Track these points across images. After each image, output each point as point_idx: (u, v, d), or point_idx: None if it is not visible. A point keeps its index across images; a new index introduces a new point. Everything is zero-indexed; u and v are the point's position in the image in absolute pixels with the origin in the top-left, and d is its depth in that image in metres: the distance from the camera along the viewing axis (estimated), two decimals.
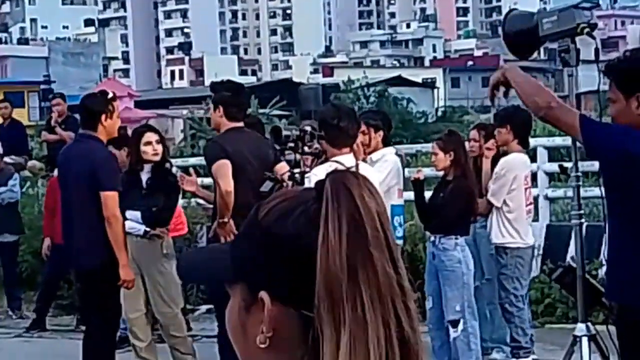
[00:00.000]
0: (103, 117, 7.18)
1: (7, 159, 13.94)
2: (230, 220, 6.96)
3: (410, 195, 8.30)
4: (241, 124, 7.25)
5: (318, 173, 5.81)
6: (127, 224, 7.48)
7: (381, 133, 7.94)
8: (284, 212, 1.48)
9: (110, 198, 7.05)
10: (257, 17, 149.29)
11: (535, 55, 6.44)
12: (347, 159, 6.40)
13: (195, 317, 10.66)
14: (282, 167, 7.01)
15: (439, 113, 53.25)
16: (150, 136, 7.83)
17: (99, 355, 7.25)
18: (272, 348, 1.48)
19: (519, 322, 7.94)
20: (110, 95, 7.43)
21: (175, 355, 7.87)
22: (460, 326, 7.54)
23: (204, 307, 10.91)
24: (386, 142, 8.07)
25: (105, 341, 7.27)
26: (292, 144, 7.19)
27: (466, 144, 8.22)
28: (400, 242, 8.13)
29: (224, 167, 6.98)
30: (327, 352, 1.40)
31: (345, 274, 1.40)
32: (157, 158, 7.77)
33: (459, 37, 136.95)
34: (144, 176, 7.78)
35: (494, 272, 8.15)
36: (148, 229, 7.71)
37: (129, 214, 7.54)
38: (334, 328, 1.40)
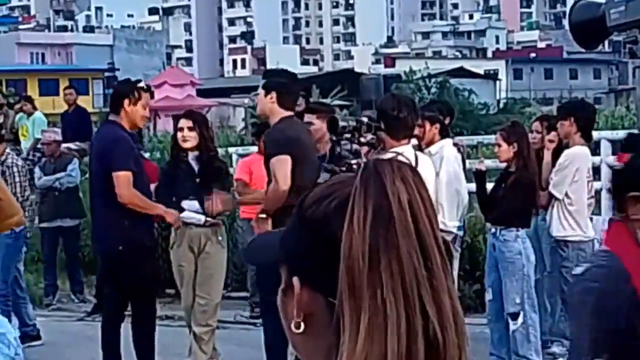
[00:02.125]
0: (126, 101, 7.18)
1: (71, 145, 14.16)
2: (269, 220, 6.85)
3: (471, 186, 8.26)
4: (292, 113, 7.07)
5: None
6: (185, 214, 7.51)
7: (438, 125, 7.88)
8: (320, 197, 1.48)
9: (120, 178, 7.01)
10: (320, 6, 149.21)
11: (599, 47, 6.39)
12: (406, 150, 6.38)
13: (231, 304, 10.69)
14: None
15: (501, 105, 52.85)
16: (182, 122, 7.74)
17: (110, 341, 7.35)
18: (306, 334, 1.48)
19: None
20: (141, 84, 7.45)
21: (196, 346, 7.80)
22: (520, 319, 7.49)
23: (241, 294, 11.00)
24: (446, 133, 8.01)
25: (112, 325, 7.33)
26: (348, 135, 7.19)
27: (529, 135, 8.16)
28: (460, 232, 8.10)
29: (285, 164, 6.78)
30: (344, 342, 1.38)
31: (366, 263, 1.37)
32: (187, 145, 7.66)
33: (522, 28, 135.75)
34: (195, 165, 7.72)
35: (555, 265, 8.09)
36: (208, 219, 7.68)
37: (185, 204, 7.55)
38: (353, 318, 1.37)
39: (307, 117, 7.95)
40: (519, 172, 7.55)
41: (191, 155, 7.68)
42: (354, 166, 6.76)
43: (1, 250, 8.61)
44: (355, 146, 7.53)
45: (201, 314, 7.72)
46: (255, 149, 10.59)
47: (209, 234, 7.69)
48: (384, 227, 1.37)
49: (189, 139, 7.64)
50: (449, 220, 7.45)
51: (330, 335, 1.41)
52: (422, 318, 1.37)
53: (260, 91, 7.05)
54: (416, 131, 7.65)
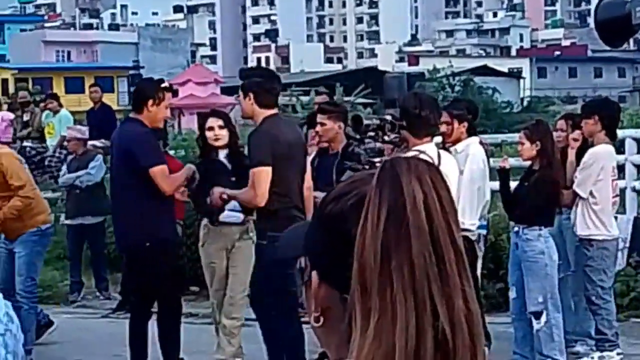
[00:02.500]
0: (150, 102, 7.24)
1: (96, 143, 14.22)
2: None
3: (494, 185, 8.25)
4: (275, 111, 6.96)
5: None
6: (225, 213, 7.55)
7: (465, 124, 7.87)
8: (339, 194, 1.49)
9: (157, 173, 7.06)
10: (344, 4, 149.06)
11: (624, 45, 6.37)
12: (428, 148, 6.39)
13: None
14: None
15: (524, 103, 52.70)
16: (212, 121, 7.78)
17: (136, 338, 7.38)
18: (325, 328, 1.50)
19: (606, 315, 7.85)
20: (165, 84, 7.49)
21: (224, 341, 7.84)
22: (544, 318, 7.47)
23: None
24: (472, 132, 8.01)
25: (140, 322, 7.36)
26: (372, 133, 7.20)
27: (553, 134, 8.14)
28: (483, 231, 8.09)
29: (266, 178, 6.72)
30: (354, 339, 1.38)
31: (377, 261, 1.36)
32: (219, 143, 7.70)
33: (546, 26, 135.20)
34: (228, 162, 7.75)
35: (580, 264, 8.07)
36: (246, 217, 7.71)
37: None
38: (364, 315, 1.37)
39: (319, 118, 7.96)
40: (541, 170, 7.53)
41: (222, 154, 7.73)
42: (377, 164, 6.77)
43: (27, 247, 8.67)
44: (378, 145, 7.53)
45: (230, 307, 7.78)
46: None
47: (242, 231, 7.74)
48: (396, 226, 1.37)
49: (221, 137, 7.71)
50: (469, 219, 7.44)
51: (345, 330, 1.42)
52: (432, 318, 1.36)
53: (240, 93, 6.99)
54: (444, 128, 7.66)
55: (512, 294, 7.79)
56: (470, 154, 7.74)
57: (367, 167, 6.95)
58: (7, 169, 8.50)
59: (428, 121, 6.56)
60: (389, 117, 7.21)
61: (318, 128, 7.88)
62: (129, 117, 7.58)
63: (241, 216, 7.69)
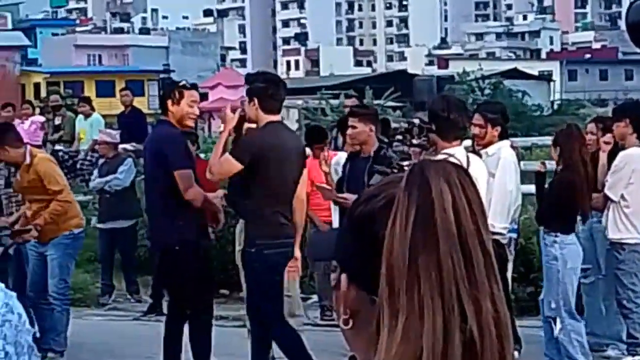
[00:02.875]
0: (169, 102, 7.31)
1: (127, 146, 14.29)
2: None
3: (525, 188, 8.23)
4: (278, 117, 7.04)
5: None
6: None
7: (499, 128, 7.79)
8: (369, 196, 1.50)
9: (181, 177, 7.10)
10: (373, 8, 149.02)
11: None
12: (457, 151, 6.39)
13: (308, 306, 10.76)
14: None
15: (555, 106, 52.48)
16: (248, 123, 7.86)
17: (171, 340, 7.40)
18: (354, 330, 1.50)
19: (637, 318, 7.81)
20: (182, 83, 7.56)
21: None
22: (558, 324, 7.43)
23: (315, 297, 10.99)
24: (503, 135, 7.98)
25: (175, 324, 7.38)
26: (400, 137, 7.21)
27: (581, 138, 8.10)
28: (514, 235, 8.06)
29: (230, 166, 6.85)
30: (382, 340, 1.38)
31: (405, 263, 1.37)
32: None
33: (576, 29, 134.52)
34: None
35: (611, 268, 8.03)
36: None
37: None
38: (391, 316, 1.38)
39: (350, 121, 7.96)
40: (558, 174, 7.52)
41: None
42: (405, 168, 6.77)
43: (60, 250, 8.74)
44: (406, 148, 7.54)
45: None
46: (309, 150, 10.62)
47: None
48: (425, 229, 1.37)
49: None
50: (499, 222, 7.42)
51: (374, 333, 1.42)
52: (460, 319, 1.36)
53: (246, 98, 7.09)
54: (476, 131, 7.65)
55: (542, 296, 7.78)
56: (502, 157, 7.70)
57: (395, 170, 6.95)
58: (45, 173, 8.57)
59: (457, 124, 6.56)
60: (417, 121, 7.24)
61: (349, 131, 7.89)
62: (159, 119, 7.66)
63: None
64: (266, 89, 6.94)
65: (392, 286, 1.38)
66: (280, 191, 6.83)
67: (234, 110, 7.30)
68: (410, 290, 1.36)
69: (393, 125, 7.27)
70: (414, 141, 7.07)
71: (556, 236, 7.43)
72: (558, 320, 7.41)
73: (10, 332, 1.54)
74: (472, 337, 1.36)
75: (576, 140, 7.61)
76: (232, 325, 9.77)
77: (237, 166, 6.80)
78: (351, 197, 7.80)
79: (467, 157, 6.48)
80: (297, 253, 7.10)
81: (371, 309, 1.44)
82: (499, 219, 7.44)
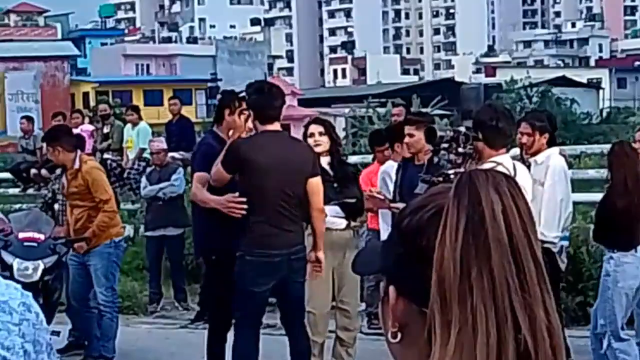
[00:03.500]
0: (227, 111, 7.39)
1: (175, 155, 14.38)
2: None
3: (575, 196, 8.15)
4: (275, 127, 6.98)
5: None
6: (328, 219, 7.53)
7: (547, 135, 7.72)
8: (416, 207, 1.48)
9: (195, 178, 7.21)
10: (420, 16, 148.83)
11: None
12: (503, 159, 6.38)
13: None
14: (316, 183, 6.97)
15: (604, 114, 52.10)
16: (313, 128, 7.83)
17: (215, 349, 7.43)
18: (402, 344, 1.48)
19: None
20: (243, 94, 7.58)
21: (339, 351, 7.87)
22: (605, 342, 7.32)
23: (363, 305, 10.97)
24: (552, 143, 7.91)
25: (216, 333, 7.41)
26: (446, 145, 7.17)
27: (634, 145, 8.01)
28: (565, 243, 7.99)
29: (220, 173, 6.91)
30: (435, 352, 1.38)
31: (457, 273, 1.36)
32: (319, 149, 7.70)
33: (626, 36, 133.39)
34: (329, 169, 7.74)
35: None
36: (348, 222, 7.72)
37: (327, 209, 7.54)
38: (444, 328, 1.37)
39: (407, 129, 7.95)
40: (609, 194, 7.44)
41: (324, 161, 7.73)
42: (451, 176, 6.73)
43: (103, 259, 8.81)
44: (452, 156, 7.49)
45: (348, 319, 7.84)
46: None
47: (348, 239, 7.75)
48: (476, 238, 1.37)
49: (321, 143, 7.75)
50: (548, 230, 7.35)
51: (423, 346, 1.42)
52: (513, 330, 1.35)
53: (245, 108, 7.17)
54: (524, 140, 7.60)
55: (594, 307, 7.69)
56: (551, 165, 7.61)
57: (440, 178, 6.92)
58: (94, 181, 8.66)
59: (504, 132, 6.55)
60: (462, 129, 7.18)
61: (406, 139, 7.87)
62: (208, 129, 7.73)
63: (343, 222, 7.71)
64: (259, 99, 6.99)
65: (443, 297, 1.37)
66: (264, 201, 6.80)
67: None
68: (462, 301, 1.36)
69: (439, 133, 7.20)
70: (460, 149, 7.01)
71: (613, 252, 7.34)
72: (606, 338, 7.31)
73: (28, 330, 1.56)
74: (527, 348, 1.35)
75: (627, 161, 7.40)
76: (279, 333, 9.77)
77: (225, 175, 6.90)
78: (403, 206, 7.77)
79: (514, 165, 6.45)
80: (321, 255, 7.12)
81: (420, 322, 1.43)
82: (550, 228, 7.36)
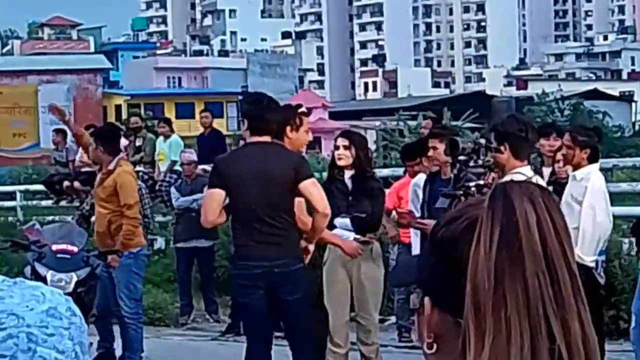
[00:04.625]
0: (288, 129, 7.32)
1: (207, 167, 14.40)
2: None
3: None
4: (265, 138, 6.90)
5: None
6: (337, 231, 7.56)
7: (588, 151, 7.48)
8: (451, 219, 1.49)
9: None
10: (451, 29, 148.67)
11: None
12: (526, 171, 6.39)
13: (384, 328, 10.72)
14: (305, 187, 6.81)
15: (636, 127, 51.80)
16: (339, 141, 7.82)
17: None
18: (437, 355, 1.48)
19: None
20: (303, 109, 7.56)
21: None
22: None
23: (393, 318, 10.96)
24: (594, 159, 7.69)
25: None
26: (465, 157, 7.16)
27: None
28: (602, 257, 7.88)
29: (209, 199, 6.87)
30: None
31: (491, 284, 1.36)
32: (341, 163, 7.73)
33: None
34: (350, 184, 7.75)
35: None
36: (357, 236, 7.68)
37: (337, 221, 7.58)
38: (478, 338, 1.36)
39: (431, 142, 7.95)
40: None
41: (347, 174, 7.74)
42: (472, 189, 6.73)
43: (122, 271, 8.87)
44: (480, 169, 7.48)
45: (365, 333, 7.80)
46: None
47: (364, 251, 7.66)
48: (510, 248, 1.37)
49: (343, 157, 7.74)
50: (586, 254, 7.17)
51: (459, 356, 1.41)
52: (547, 340, 1.35)
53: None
54: (563, 151, 7.56)
55: (633, 322, 7.54)
56: (590, 184, 7.39)
57: (460, 192, 6.91)
58: (123, 184, 8.76)
59: (532, 144, 6.57)
60: (482, 141, 7.18)
61: (430, 152, 7.87)
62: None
63: (351, 235, 7.66)
64: (253, 110, 6.98)
65: (477, 308, 1.37)
66: (242, 214, 6.79)
67: None
68: (496, 312, 1.35)
69: (462, 145, 7.20)
70: (480, 161, 7.00)
71: None
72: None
73: (76, 333, 1.61)
74: (561, 358, 1.35)
75: None
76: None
77: (214, 192, 6.81)
78: (430, 222, 7.74)
79: (536, 179, 6.41)
80: (310, 246, 7.02)
81: (455, 333, 1.43)
82: (587, 251, 7.20)
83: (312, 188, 6.83)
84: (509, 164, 6.49)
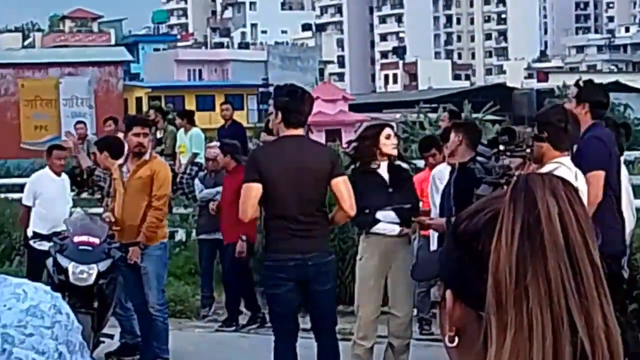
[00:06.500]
0: None
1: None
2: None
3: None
4: (299, 132, 6.98)
5: None
6: (381, 225, 7.54)
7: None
8: (474, 212, 1.48)
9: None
10: (472, 21, 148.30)
11: None
12: (566, 161, 6.33)
13: None
14: (337, 184, 6.88)
15: None
16: (388, 130, 7.80)
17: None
18: (459, 348, 1.48)
19: None
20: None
21: (391, 358, 7.82)
22: None
23: (414, 311, 10.94)
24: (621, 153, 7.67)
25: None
26: (502, 147, 7.14)
27: None
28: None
29: (247, 192, 6.86)
30: (490, 356, 1.37)
31: (513, 277, 1.36)
32: (395, 152, 7.75)
33: None
34: (385, 174, 7.71)
35: None
36: (402, 228, 7.66)
37: (381, 214, 7.56)
38: (499, 331, 1.36)
39: (451, 134, 7.97)
40: None
41: (383, 166, 7.71)
42: (488, 182, 6.72)
43: (153, 262, 8.90)
44: (506, 161, 7.45)
45: (400, 326, 7.78)
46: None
47: (401, 245, 7.69)
48: (531, 241, 1.36)
49: (396, 146, 7.78)
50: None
51: (481, 350, 1.41)
52: (570, 333, 1.35)
53: (272, 110, 7.10)
54: None
55: None
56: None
57: (502, 180, 6.88)
58: (159, 175, 8.83)
59: (571, 135, 6.49)
60: (530, 129, 7.14)
61: (448, 144, 7.91)
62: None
63: (397, 228, 7.65)
64: (289, 102, 6.95)
65: (499, 301, 1.37)
66: (277, 207, 6.83)
67: None
68: (518, 304, 1.35)
69: (489, 136, 7.21)
70: (516, 152, 6.97)
71: None
72: None
73: (61, 332, 1.57)
74: (583, 352, 1.35)
75: None
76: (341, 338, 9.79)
77: (252, 186, 6.83)
78: (438, 221, 7.79)
79: (576, 171, 6.37)
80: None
81: (477, 326, 1.43)
82: None
83: (342, 186, 6.92)
84: (549, 154, 6.43)
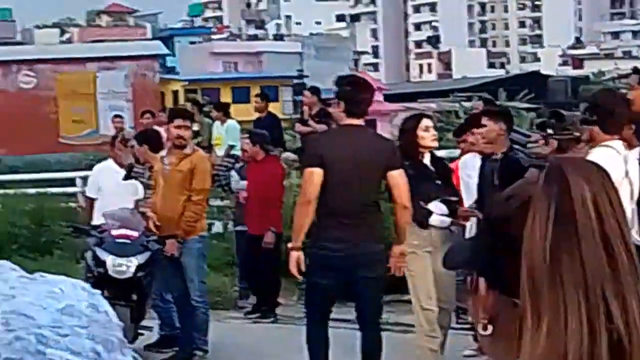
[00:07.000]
0: None
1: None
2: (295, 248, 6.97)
3: None
4: (360, 121, 7.02)
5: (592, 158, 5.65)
6: (434, 217, 7.50)
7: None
8: (507, 197, 1.47)
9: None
10: (506, 9, 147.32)
11: None
12: (616, 145, 6.29)
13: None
14: (393, 176, 6.87)
15: None
16: (427, 122, 7.76)
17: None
18: (493, 336, 1.48)
19: None
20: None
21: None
22: None
23: None
24: None
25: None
26: (546, 132, 7.12)
27: None
28: None
29: (306, 178, 6.91)
30: (525, 341, 1.36)
31: (547, 263, 1.34)
32: (436, 144, 7.77)
33: None
34: (430, 165, 7.67)
35: None
36: (452, 219, 7.63)
37: (433, 207, 7.52)
38: (534, 318, 1.35)
39: (483, 120, 7.93)
40: None
41: (427, 157, 7.69)
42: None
43: (194, 254, 8.95)
44: (539, 149, 7.45)
45: (446, 318, 7.79)
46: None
47: (447, 237, 7.62)
48: (565, 227, 1.35)
49: (436, 137, 7.78)
50: None
51: (515, 337, 1.40)
52: (606, 319, 1.34)
53: (335, 100, 7.17)
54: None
55: None
56: None
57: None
58: (199, 168, 8.86)
59: (620, 119, 6.46)
60: (579, 113, 7.10)
61: (480, 129, 7.86)
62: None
63: (448, 220, 7.63)
64: (353, 92, 6.99)
65: (534, 287, 1.36)
66: (329, 195, 6.84)
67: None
68: (553, 290, 1.34)
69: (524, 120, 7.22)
70: (564, 135, 6.94)
71: None
72: None
73: (98, 331, 1.53)
74: (620, 337, 1.34)
75: None
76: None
77: (318, 172, 6.83)
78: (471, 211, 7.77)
79: (625, 154, 6.32)
80: (404, 249, 7.09)
81: (511, 313, 1.43)
82: None
83: (399, 179, 6.94)
84: (598, 137, 6.41)
